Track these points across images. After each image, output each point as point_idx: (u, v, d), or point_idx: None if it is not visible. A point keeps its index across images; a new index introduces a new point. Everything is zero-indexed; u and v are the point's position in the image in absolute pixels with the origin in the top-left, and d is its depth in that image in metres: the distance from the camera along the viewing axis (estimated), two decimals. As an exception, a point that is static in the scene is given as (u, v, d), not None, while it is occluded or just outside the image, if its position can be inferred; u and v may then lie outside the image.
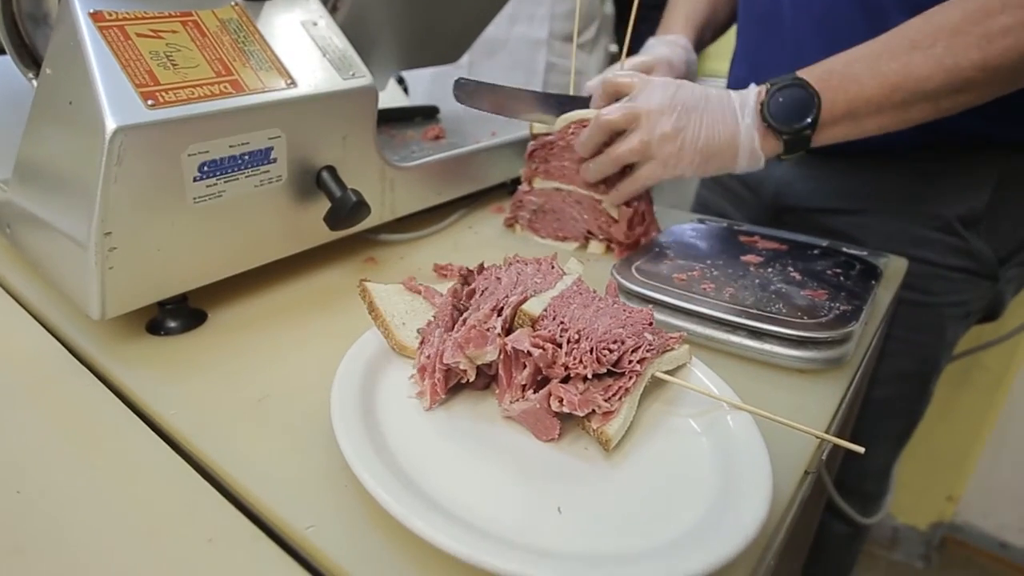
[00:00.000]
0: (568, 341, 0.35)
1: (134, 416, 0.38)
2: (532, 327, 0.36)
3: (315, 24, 0.52)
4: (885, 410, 0.75)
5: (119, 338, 0.45)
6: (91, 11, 0.41)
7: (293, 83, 0.48)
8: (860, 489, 0.82)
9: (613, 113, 0.55)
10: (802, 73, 0.53)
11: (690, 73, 0.75)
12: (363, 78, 0.52)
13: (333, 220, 0.51)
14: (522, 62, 1.17)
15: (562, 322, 0.36)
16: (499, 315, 0.37)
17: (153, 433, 0.37)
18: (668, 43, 0.74)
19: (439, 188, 0.65)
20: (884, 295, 0.57)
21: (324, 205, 0.52)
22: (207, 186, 0.45)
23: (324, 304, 0.52)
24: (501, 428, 0.36)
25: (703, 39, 0.81)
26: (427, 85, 1.21)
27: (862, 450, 0.33)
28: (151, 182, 0.42)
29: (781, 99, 0.52)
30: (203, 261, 0.47)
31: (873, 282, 0.51)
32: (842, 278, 0.51)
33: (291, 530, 0.31)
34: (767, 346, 0.45)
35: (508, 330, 0.37)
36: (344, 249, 0.60)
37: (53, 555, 0.29)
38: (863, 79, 0.50)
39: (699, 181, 0.93)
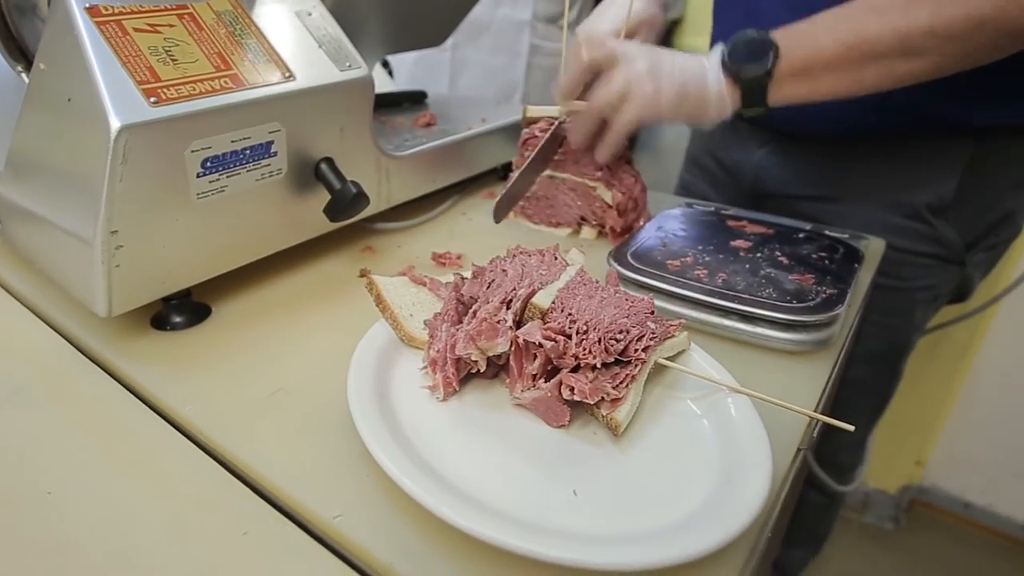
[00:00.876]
0: (577, 332, 0.36)
1: (151, 412, 0.39)
2: (542, 319, 0.38)
3: (309, 14, 0.52)
4: (859, 388, 0.79)
5: (125, 334, 0.46)
6: (87, 5, 0.41)
7: (291, 76, 0.48)
8: (835, 460, 0.86)
9: (595, 51, 0.56)
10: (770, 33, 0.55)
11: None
12: (360, 69, 0.52)
13: (333, 212, 0.52)
14: (505, 44, 1.17)
15: (570, 314, 0.37)
16: (508, 308, 0.38)
17: (173, 429, 0.38)
18: None
19: (433, 175, 0.66)
20: (865, 277, 0.59)
21: (323, 196, 0.52)
22: (210, 182, 0.45)
23: (325, 294, 0.52)
24: (512, 415, 0.38)
25: None
26: (409, 68, 1.20)
27: (852, 428, 0.35)
28: (156, 179, 0.42)
29: (742, 43, 0.54)
30: (207, 256, 0.47)
31: (856, 265, 0.54)
32: (827, 262, 0.54)
33: (319, 520, 0.32)
34: (759, 329, 0.47)
35: (518, 322, 0.38)
36: (342, 239, 0.60)
37: (93, 555, 0.30)
38: (820, 37, 0.52)
39: (682, 164, 0.95)
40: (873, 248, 0.64)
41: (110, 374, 0.42)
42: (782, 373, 0.46)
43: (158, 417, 0.38)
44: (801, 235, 0.60)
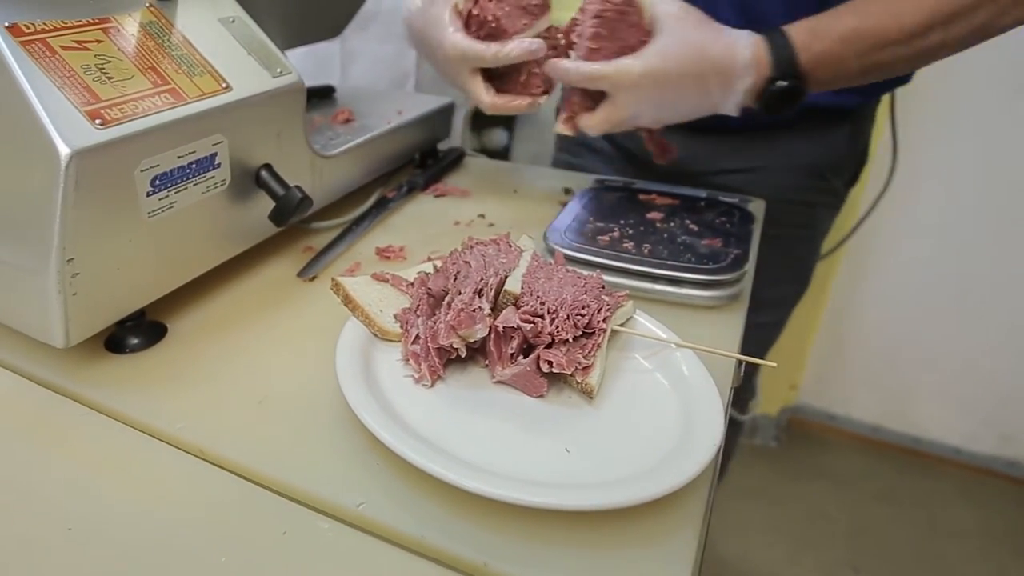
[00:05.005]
0: (548, 313, 0.41)
1: (145, 436, 0.39)
2: (515, 304, 0.42)
3: (232, 21, 0.51)
4: (769, 331, 0.91)
5: (82, 363, 0.45)
6: (6, 24, 0.39)
7: (228, 87, 0.48)
8: (737, 396, 0.99)
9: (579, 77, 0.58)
10: (800, 50, 0.56)
11: None
12: (291, 74, 0.53)
13: (279, 217, 0.53)
14: (395, 33, 1.16)
15: (539, 296, 0.42)
16: (481, 296, 0.42)
17: (173, 448, 0.38)
18: None
19: (363, 170, 0.67)
20: (757, 234, 0.69)
21: (265, 202, 0.53)
22: (159, 199, 0.44)
23: (279, 299, 0.53)
24: (494, 391, 0.42)
25: None
26: (298, 62, 1.16)
27: (775, 364, 0.43)
28: (107, 202, 0.41)
29: (775, 98, 0.57)
30: (160, 273, 0.47)
31: (751, 226, 0.63)
32: (728, 226, 0.62)
33: (345, 510, 0.35)
34: (684, 290, 0.54)
35: (492, 307, 0.43)
36: (282, 241, 0.61)
37: None
38: (848, 62, 0.57)
39: (556, 143, 0.97)
40: (757, 207, 0.74)
41: (82, 404, 0.42)
42: (706, 326, 0.53)
43: (155, 440, 0.39)
44: (702, 203, 0.68)
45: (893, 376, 1.65)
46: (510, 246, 0.48)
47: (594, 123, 0.60)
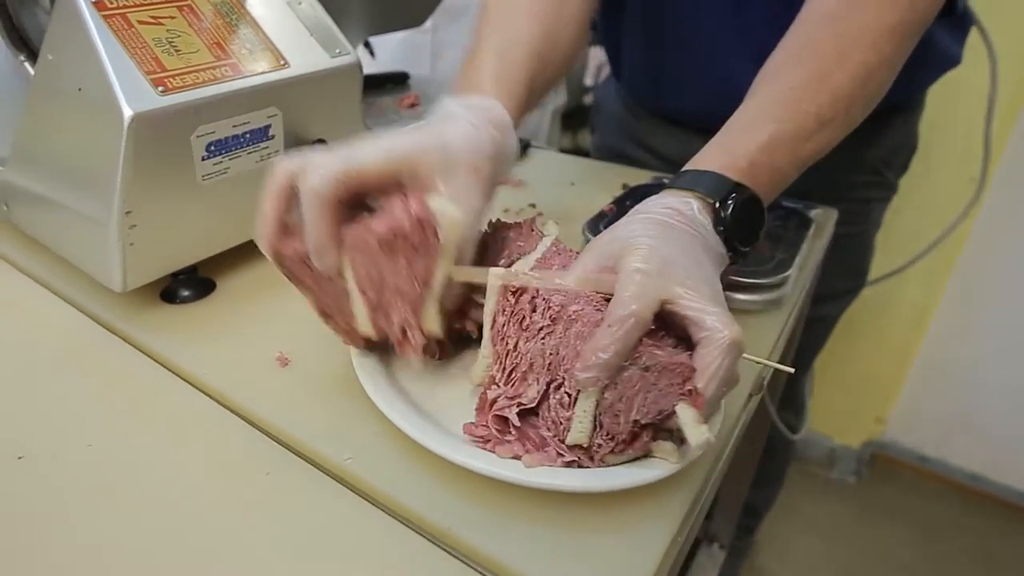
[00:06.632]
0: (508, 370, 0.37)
1: (173, 376, 0.43)
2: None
3: (299, 3, 0.55)
4: (815, 329, 0.87)
5: (138, 308, 0.49)
6: (93, 0, 0.44)
7: (286, 63, 0.51)
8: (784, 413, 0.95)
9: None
10: (731, 174, 0.43)
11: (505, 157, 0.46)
12: (349, 55, 0.56)
13: (327, 191, 0.55)
14: (484, 24, 1.19)
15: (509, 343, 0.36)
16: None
17: (194, 389, 0.42)
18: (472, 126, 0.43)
19: (418, 155, 0.69)
20: (817, 244, 0.65)
21: (317, 176, 0.56)
22: (214, 164, 0.48)
23: (322, 268, 0.56)
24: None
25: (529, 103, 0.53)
26: (392, 49, 1.22)
27: (791, 370, 0.40)
28: (165, 163, 0.45)
29: (737, 220, 0.42)
30: (211, 233, 0.51)
31: (806, 232, 0.59)
32: (781, 230, 0.59)
33: (332, 463, 0.36)
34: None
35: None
36: (333, 216, 0.64)
37: (135, 496, 0.34)
38: (786, 169, 0.46)
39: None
40: (824, 217, 0.69)
41: (130, 344, 0.46)
42: (743, 329, 0.51)
43: (180, 380, 0.43)
44: (760, 206, 0.65)
45: (1004, 421, 1.48)
46: (532, 230, 0.48)
47: None
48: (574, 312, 0.34)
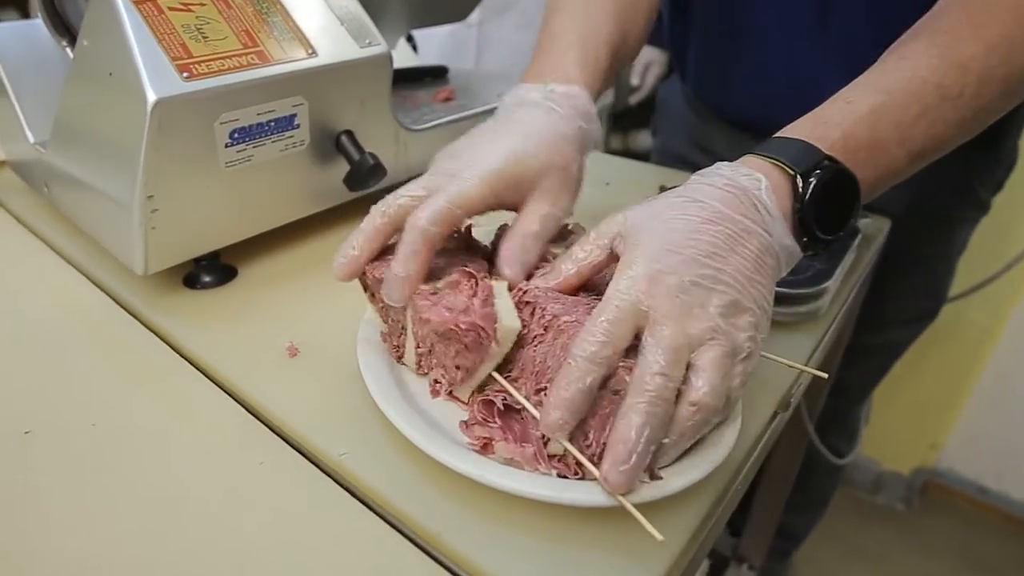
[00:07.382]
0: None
1: (182, 360, 0.43)
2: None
3: (332, -7, 0.55)
4: (882, 355, 0.81)
5: (160, 291, 0.50)
6: (125, -14, 0.44)
7: (314, 52, 0.51)
8: (838, 433, 0.89)
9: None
10: (827, 147, 0.37)
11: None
12: (379, 46, 0.55)
13: (352, 182, 0.55)
14: (532, 21, 1.18)
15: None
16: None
17: (201, 374, 0.42)
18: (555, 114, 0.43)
19: (449, 150, 0.68)
20: (864, 254, 0.61)
21: (343, 167, 0.55)
22: (237, 151, 0.48)
23: (344, 260, 0.56)
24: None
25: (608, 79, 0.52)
26: (439, 43, 1.22)
27: (825, 375, 0.38)
28: (188, 148, 0.45)
29: (820, 199, 0.36)
30: (234, 220, 0.51)
31: (851, 241, 0.55)
32: (825, 238, 0.55)
33: (327, 457, 0.36)
34: (750, 301, 0.49)
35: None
36: (361, 208, 0.63)
37: (129, 475, 0.34)
38: (891, 149, 0.39)
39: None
40: (874, 226, 0.65)
41: (147, 327, 0.47)
42: (772, 344, 0.48)
43: (188, 364, 0.43)
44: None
45: (1073, 455, 1.38)
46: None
47: None
48: (564, 323, 0.33)
